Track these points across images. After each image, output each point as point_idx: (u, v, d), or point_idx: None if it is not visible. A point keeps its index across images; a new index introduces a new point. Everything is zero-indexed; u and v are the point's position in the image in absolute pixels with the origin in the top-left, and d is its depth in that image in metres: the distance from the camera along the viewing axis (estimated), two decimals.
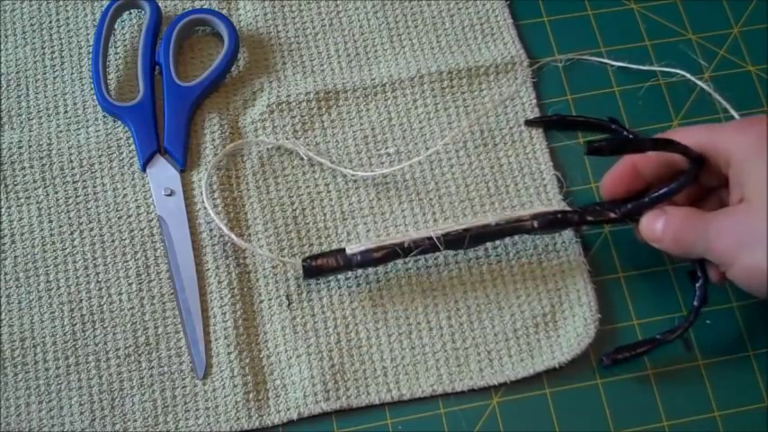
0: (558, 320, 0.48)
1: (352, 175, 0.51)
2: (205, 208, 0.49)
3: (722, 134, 0.44)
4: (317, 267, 0.47)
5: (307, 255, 0.48)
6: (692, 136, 0.44)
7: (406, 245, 0.46)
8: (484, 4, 0.56)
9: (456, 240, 0.47)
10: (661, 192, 0.46)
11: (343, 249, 0.47)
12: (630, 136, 0.51)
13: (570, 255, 0.49)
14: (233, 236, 0.48)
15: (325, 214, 0.50)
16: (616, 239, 0.50)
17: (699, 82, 0.54)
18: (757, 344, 0.48)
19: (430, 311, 0.48)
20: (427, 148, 0.52)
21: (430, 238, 0.46)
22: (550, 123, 0.53)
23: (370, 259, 0.46)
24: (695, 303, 0.47)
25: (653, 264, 0.50)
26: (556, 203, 0.51)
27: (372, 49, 0.55)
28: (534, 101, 0.53)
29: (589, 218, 0.48)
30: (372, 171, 0.51)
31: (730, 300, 0.49)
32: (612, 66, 0.55)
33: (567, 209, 0.48)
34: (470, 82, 0.54)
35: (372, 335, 0.48)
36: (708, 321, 0.49)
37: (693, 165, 0.44)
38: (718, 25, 0.56)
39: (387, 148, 0.52)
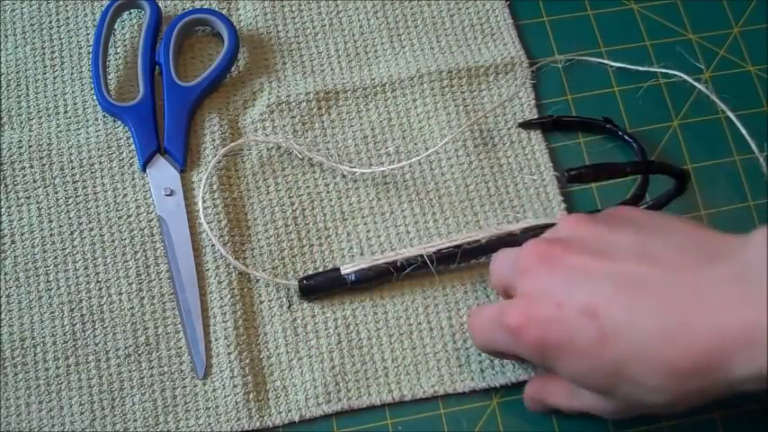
0: None
1: (351, 173, 0.51)
2: (205, 208, 0.49)
3: None
4: (313, 287, 0.48)
5: (302, 275, 0.48)
6: None
7: (398, 263, 0.47)
8: (484, 4, 0.56)
9: (447, 257, 0.48)
10: (648, 205, 0.47)
11: (338, 269, 0.48)
12: (625, 136, 0.52)
13: None
14: (230, 257, 0.48)
15: (325, 214, 0.50)
16: None
17: (697, 84, 0.54)
18: None
19: (430, 311, 0.48)
20: (427, 148, 0.52)
21: (422, 256, 0.47)
22: (545, 125, 0.53)
23: (364, 278, 0.47)
24: None
25: None
26: (556, 204, 0.51)
27: (372, 49, 0.55)
28: (533, 101, 0.53)
29: None
30: (371, 168, 0.51)
31: None
32: (612, 66, 0.55)
33: (556, 221, 0.48)
34: (470, 82, 0.54)
35: (373, 335, 0.48)
36: None
37: (678, 181, 0.46)
38: (719, 25, 0.56)
39: (386, 147, 0.52)
